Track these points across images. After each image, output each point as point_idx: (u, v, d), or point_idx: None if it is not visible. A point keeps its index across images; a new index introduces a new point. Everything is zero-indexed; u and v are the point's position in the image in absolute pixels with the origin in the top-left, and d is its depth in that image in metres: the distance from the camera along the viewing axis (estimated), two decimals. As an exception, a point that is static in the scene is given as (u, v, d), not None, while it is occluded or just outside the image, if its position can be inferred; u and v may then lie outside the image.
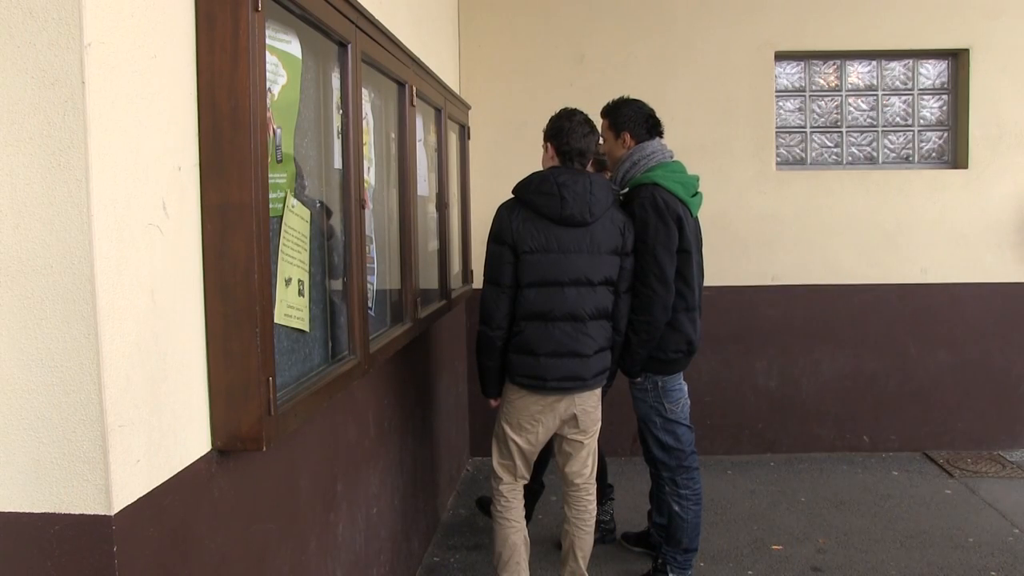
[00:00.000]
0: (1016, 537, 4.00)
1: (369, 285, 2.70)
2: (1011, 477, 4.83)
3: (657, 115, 3.46)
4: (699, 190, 3.44)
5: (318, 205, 2.32)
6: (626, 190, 3.34)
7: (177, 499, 1.60)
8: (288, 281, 2.03)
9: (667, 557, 3.49)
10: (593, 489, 3.24)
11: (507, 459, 3.16)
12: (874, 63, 5.35)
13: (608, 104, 3.44)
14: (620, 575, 3.71)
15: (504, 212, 3.02)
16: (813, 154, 5.40)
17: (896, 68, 5.36)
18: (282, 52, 2.03)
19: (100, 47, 1.38)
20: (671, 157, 3.39)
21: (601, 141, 3.43)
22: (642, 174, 3.31)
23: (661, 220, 3.20)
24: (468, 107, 4.88)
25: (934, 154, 5.39)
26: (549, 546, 3.92)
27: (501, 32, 5.13)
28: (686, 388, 3.48)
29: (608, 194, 3.07)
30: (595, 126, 3.13)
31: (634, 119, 3.39)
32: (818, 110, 5.38)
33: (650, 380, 3.37)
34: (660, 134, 3.44)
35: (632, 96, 3.47)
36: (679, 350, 3.35)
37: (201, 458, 1.71)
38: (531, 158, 3.93)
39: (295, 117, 2.12)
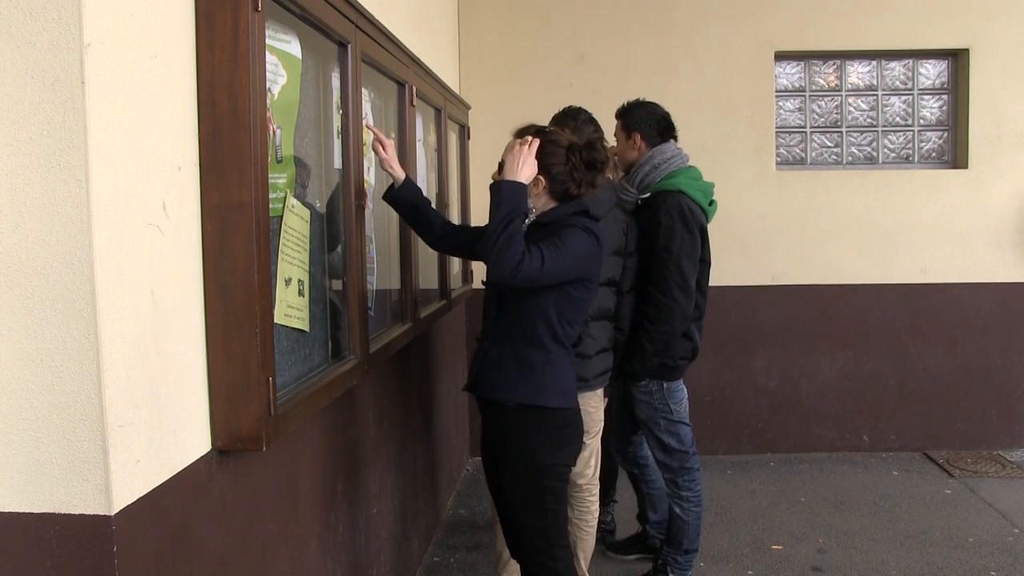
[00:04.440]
0: (1016, 537, 4.00)
1: (369, 285, 2.70)
2: (1011, 477, 4.83)
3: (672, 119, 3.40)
4: (714, 198, 3.40)
5: (317, 204, 2.32)
6: (647, 195, 3.28)
7: (177, 499, 1.60)
8: (288, 281, 2.03)
9: (667, 558, 3.48)
10: (596, 490, 3.23)
11: (507, 459, 3.16)
12: (874, 63, 5.35)
13: (623, 106, 3.39)
14: (620, 575, 3.71)
15: None
16: (813, 154, 5.40)
17: (896, 68, 5.36)
18: (282, 52, 2.03)
19: (100, 47, 1.38)
20: (687, 162, 3.35)
21: (613, 142, 3.40)
22: (662, 179, 3.26)
23: (687, 230, 3.18)
24: (468, 107, 4.88)
25: (934, 154, 5.39)
26: (549, 546, 3.92)
27: (501, 32, 5.13)
28: (685, 388, 3.49)
29: (611, 195, 3.07)
30: (599, 124, 3.13)
31: (646, 121, 3.33)
32: (818, 110, 5.38)
33: (655, 383, 3.37)
34: (674, 137, 3.39)
35: (632, 95, 3.46)
36: (685, 357, 3.36)
37: (201, 458, 1.71)
38: (531, 158, 3.93)
39: (295, 117, 2.12)
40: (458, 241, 2.79)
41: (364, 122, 2.61)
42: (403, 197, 2.72)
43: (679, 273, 3.17)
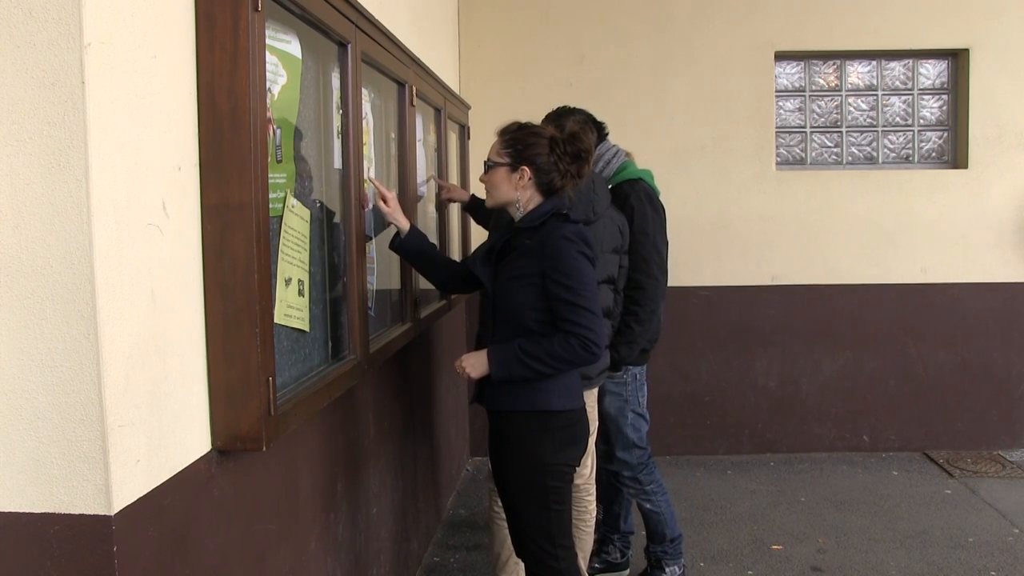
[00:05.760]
0: (1016, 537, 4.00)
1: (369, 285, 2.70)
2: (1011, 477, 4.83)
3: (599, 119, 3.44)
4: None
5: (318, 205, 2.32)
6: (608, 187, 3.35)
7: (177, 499, 1.60)
8: (288, 281, 2.03)
9: (657, 554, 3.49)
10: (593, 489, 3.24)
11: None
12: (874, 63, 5.35)
13: (549, 114, 3.34)
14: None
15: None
16: (813, 154, 5.40)
17: (896, 68, 5.36)
18: (282, 52, 2.03)
19: (100, 47, 1.38)
20: (625, 155, 3.47)
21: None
22: (616, 173, 3.37)
23: (656, 212, 3.33)
24: (468, 107, 4.88)
25: (934, 154, 5.39)
26: (549, 546, 3.91)
27: (501, 32, 5.13)
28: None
29: (608, 193, 3.07)
30: (594, 126, 3.14)
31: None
32: (818, 110, 5.38)
33: (629, 372, 3.40)
34: (607, 134, 3.46)
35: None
36: (654, 339, 3.44)
37: (201, 458, 1.71)
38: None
39: (295, 117, 2.12)
40: (464, 277, 2.80)
41: (366, 175, 2.62)
42: (409, 245, 2.74)
43: (656, 252, 3.29)
